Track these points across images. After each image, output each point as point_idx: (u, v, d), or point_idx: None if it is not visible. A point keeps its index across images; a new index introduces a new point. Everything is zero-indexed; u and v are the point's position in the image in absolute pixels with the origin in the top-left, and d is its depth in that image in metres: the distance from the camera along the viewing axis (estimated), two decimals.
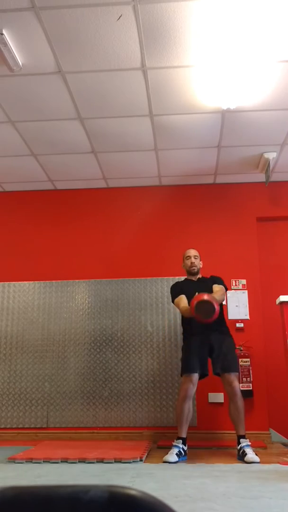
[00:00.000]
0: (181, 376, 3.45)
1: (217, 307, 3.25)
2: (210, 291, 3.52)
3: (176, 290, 3.71)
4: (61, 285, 4.64)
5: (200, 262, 3.82)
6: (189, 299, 3.46)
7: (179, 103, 3.47)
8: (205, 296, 3.28)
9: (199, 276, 3.79)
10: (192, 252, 3.81)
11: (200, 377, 3.43)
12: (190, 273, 3.78)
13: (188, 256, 3.79)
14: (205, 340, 3.44)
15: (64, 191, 4.98)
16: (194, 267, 3.74)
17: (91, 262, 4.69)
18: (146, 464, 3.00)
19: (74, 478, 2.60)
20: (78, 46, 2.87)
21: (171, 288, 3.79)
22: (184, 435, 3.29)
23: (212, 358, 3.46)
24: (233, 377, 3.36)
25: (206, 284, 3.66)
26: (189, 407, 3.34)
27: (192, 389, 3.34)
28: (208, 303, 3.24)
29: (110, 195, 4.93)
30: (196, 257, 3.78)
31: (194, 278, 3.77)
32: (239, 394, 3.34)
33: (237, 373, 3.46)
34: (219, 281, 3.70)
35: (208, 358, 3.47)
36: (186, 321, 3.60)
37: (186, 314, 3.50)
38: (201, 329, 3.44)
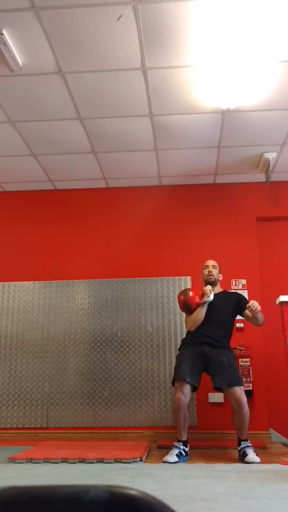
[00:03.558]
0: (173, 385, 3.40)
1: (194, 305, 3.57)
2: (230, 308, 3.56)
3: None
4: (61, 285, 4.64)
5: (220, 274, 3.74)
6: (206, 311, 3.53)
7: (179, 103, 3.47)
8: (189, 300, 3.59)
9: (219, 289, 3.71)
10: (211, 262, 3.74)
11: (192, 390, 3.34)
12: (208, 283, 3.67)
13: (206, 266, 3.73)
14: (200, 351, 3.40)
15: (64, 191, 4.98)
16: (211, 276, 3.66)
17: (91, 262, 4.69)
18: (146, 464, 2.99)
19: (74, 478, 2.59)
20: (78, 46, 2.87)
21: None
22: (184, 438, 3.27)
23: (211, 371, 3.34)
24: (239, 391, 3.22)
25: (226, 300, 3.59)
26: (184, 415, 3.26)
27: (184, 400, 3.22)
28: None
29: (110, 195, 4.93)
30: (214, 267, 3.71)
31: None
32: (246, 408, 3.23)
33: (242, 386, 3.31)
34: (246, 303, 3.54)
35: (202, 371, 3.39)
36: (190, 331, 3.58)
37: (190, 321, 3.57)
38: (200, 340, 3.45)
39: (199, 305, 3.53)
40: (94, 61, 3.02)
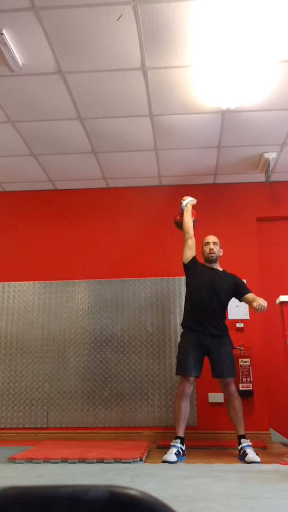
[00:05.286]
0: (177, 374, 3.48)
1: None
2: (230, 292, 3.57)
3: (193, 260, 3.65)
4: (61, 285, 4.64)
5: (220, 250, 3.71)
6: (202, 285, 3.53)
7: (179, 103, 3.47)
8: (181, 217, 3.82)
9: (218, 267, 3.68)
10: (212, 239, 3.68)
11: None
12: (208, 260, 3.65)
13: (207, 243, 3.67)
14: (203, 342, 3.44)
15: (64, 191, 4.98)
16: (212, 254, 3.61)
17: (91, 262, 4.69)
18: (146, 464, 2.99)
19: (74, 478, 2.59)
20: (78, 46, 2.87)
21: (192, 257, 3.67)
22: (182, 434, 3.29)
23: (211, 362, 3.45)
24: (229, 381, 3.40)
25: (227, 282, 3.58)
26: (186, 405, 3.35)
27: (190, 387, 3.38)
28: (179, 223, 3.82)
29: (110, 195, 4.93)
30: (215, 243, 3.66)
31: (211, 266, 3.65)
32: (235, 394, 3.40)
33: (234, 377, 3.49)
34: (245, 287, 3.59)
35: (203, 358, 3.46)
36: (188, 307, 3.59)
37: (184, 224, 3.75)
38: (200, 324, 3.46)
39: (182, 216, 3.79)
40: (94, 61, 3.02)
